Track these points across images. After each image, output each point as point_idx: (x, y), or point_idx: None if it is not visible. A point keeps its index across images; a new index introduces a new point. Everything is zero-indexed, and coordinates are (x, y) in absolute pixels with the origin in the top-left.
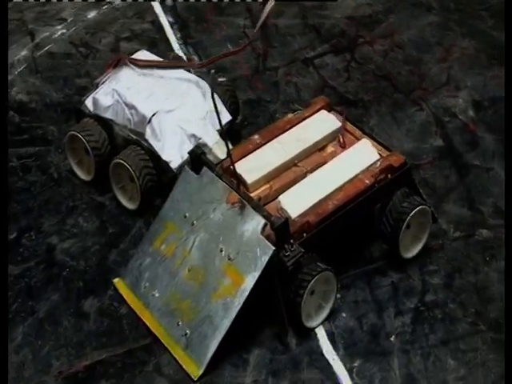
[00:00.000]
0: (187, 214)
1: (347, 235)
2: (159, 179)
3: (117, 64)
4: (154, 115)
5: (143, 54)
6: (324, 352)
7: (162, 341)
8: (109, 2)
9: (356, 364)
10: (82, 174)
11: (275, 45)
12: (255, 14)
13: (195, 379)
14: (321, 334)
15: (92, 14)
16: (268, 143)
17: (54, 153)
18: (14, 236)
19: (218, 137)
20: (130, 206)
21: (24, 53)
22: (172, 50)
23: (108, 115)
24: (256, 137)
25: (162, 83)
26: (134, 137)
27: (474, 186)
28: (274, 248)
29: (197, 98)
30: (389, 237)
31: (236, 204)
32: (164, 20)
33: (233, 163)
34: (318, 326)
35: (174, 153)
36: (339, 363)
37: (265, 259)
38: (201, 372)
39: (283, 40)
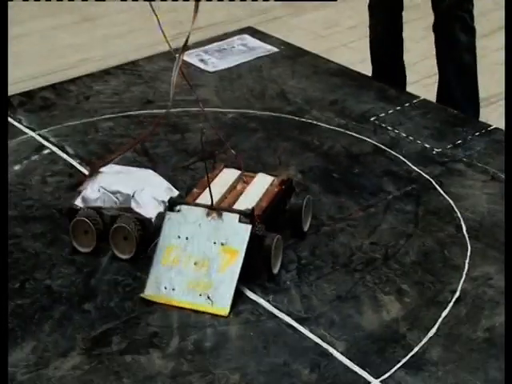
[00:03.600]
0: (180, 235)
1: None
2: (144, 234)
3: (91, 174)
4: (134, 193)
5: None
6: (252, 298)
7: (191, 308)
8: (26, 159)
9: (270, 298)
10: (80, 248)
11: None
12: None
13: (226, 315)
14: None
15: (17, 167)
16: (203, 191)
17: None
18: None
19: None
20: (125, 256)
21: None
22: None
23: (97, 204)
24: (195, 190)
25: (131, 176)
26: (120, 212)
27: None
28: (251, 225)
29: (156, 179)
30: (294, 220)
31: (214, 214)
32: (73, 162)
33: (209, 184)
34: (278, 270)
35: (154, 214)
36: (260, 299)
37: (247, 234)
38: (228, 310)
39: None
